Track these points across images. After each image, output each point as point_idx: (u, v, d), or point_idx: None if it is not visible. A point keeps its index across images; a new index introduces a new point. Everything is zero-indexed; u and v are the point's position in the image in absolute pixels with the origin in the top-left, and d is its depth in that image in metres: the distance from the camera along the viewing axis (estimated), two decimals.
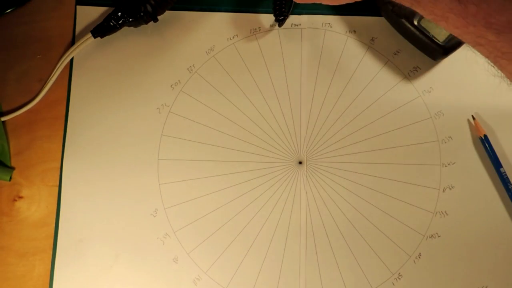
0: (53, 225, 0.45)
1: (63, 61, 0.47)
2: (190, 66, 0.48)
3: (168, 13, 0.47)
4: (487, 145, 0.46)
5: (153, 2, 0.45)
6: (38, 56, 0.48)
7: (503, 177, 0.45)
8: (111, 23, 0.46)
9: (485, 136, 0.46)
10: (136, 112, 0.47)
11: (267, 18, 0.48)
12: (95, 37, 0.46)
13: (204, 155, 0.47)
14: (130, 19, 0.46)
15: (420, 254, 0.45)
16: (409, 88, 0.48)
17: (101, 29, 0.46)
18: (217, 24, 0.49)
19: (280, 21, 0.47)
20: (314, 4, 0.48)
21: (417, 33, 0.45)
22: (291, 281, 0.45)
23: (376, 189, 0.46)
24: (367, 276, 0.45)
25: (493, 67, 0.33)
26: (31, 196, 0.46)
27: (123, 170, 0.46)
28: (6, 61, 0.47)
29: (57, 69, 0.47)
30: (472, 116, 0.47)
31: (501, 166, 0.45)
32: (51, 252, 0.45)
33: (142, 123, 0.47)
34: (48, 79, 0.47)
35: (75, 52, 0.47)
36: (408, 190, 0.46)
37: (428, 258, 0.45)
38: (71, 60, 0.47)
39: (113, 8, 0.46)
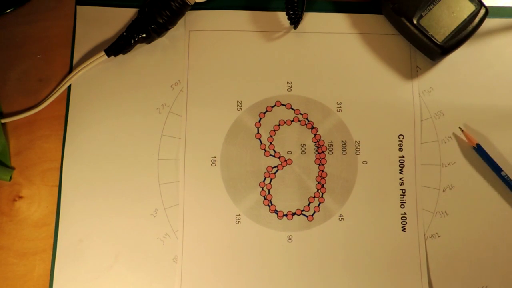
0: (53, 225, 0.45)
1: (72, 77, 0.47)
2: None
3: None
4: (481, 153, 0.45)
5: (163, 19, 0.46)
6: (38, 56, 0.48)
7: (505, 180, 0.45)
8: (124, 42, 0.46)
9: (478, 145, 0.46)
10: (136, 112, 0.47)
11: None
12: (108, 56, 0.46)
13: None
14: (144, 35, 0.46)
15: None
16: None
17: (116, 48, 0.46)
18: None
19: (295, 22, 0.47)
20: (315, 3, 0.48)
21: (416, 32, 0.45)
22: None
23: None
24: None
25: None
26: (31, 196, 0.46)
27: (123, 170, 0.46)
28: (6, 61, 0.47)
29: (63, 85, 0.47)
30: (460, 128, 0.47)
31: (502, 170, 0.45)
32: (51, 252, 0.45)
33: (142, 123, 0.47)
34: (51, 93, 0.47)
35: (85, 69, 0.47)
36: None
37: (428, 258, 0.45)
38: (71, 61, 0.48)
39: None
